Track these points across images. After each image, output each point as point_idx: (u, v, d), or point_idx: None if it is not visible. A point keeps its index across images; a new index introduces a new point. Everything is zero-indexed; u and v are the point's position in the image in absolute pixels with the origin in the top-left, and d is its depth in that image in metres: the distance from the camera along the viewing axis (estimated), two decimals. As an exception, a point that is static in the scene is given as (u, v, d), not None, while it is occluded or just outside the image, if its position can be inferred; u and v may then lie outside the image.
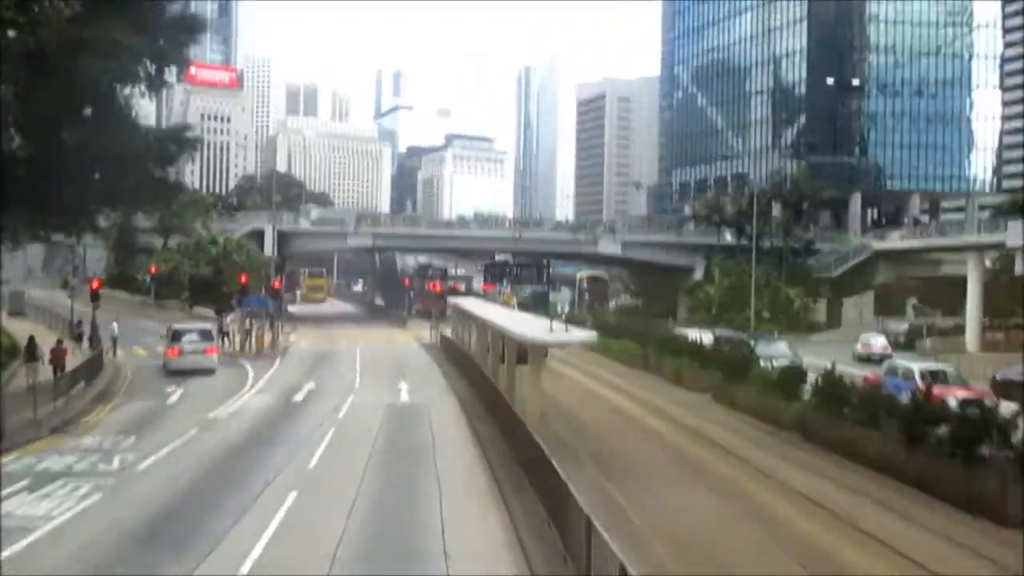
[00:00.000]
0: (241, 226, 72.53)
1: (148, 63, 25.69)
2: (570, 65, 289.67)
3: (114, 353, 41.90)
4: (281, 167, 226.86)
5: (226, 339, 44.76)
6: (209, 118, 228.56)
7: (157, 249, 69.63)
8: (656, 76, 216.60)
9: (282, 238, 72.88)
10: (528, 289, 47.19)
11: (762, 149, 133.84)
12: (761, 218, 65.89)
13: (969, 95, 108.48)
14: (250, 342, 44.79)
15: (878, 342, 47.96)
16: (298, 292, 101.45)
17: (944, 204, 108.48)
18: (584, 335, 19.06)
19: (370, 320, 77.12)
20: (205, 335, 37.02)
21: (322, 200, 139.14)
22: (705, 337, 39.21)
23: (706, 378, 31.76)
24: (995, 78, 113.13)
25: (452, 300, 43.40)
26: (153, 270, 62.65)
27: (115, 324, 44.56)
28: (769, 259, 64.36)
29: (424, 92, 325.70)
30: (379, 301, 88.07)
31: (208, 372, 35.80)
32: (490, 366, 28.28)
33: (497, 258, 60.65)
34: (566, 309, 19.62)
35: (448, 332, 46.60)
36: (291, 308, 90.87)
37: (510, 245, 72.14)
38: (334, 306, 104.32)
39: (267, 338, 46.79)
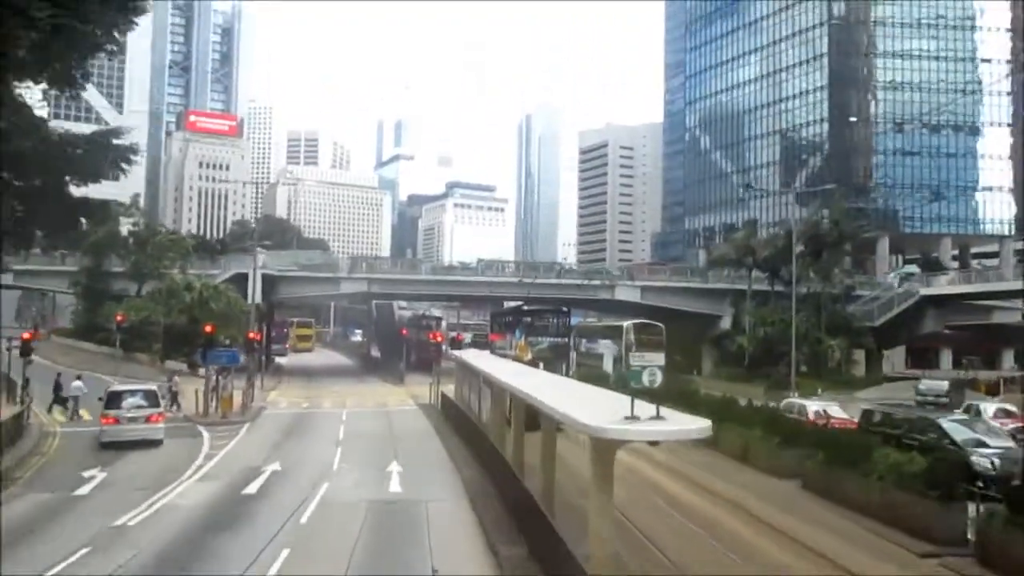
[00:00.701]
0: (225, 271, 65.25)
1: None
2: (571, 113, 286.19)
3: (73, 415, 35.23)
4: (281, 215, 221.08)
5: (175, 402, 37.18)
6: (208, 166, 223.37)
7: (130, 296, 62.23)
8: (660, 122, 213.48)
9: (269, 283, 65.59)
10: (545, 341, 38.89)
11: (771, 194, 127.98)
12: (795, 261, 58.79)
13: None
14: (216, 403, 37.15)
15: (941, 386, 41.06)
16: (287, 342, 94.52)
17: (974, 249, 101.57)
18: (692, 424, 10.99)
19: (364, 374, 69.41)
20: (150, 398, 29.38)
21: (319, 246, 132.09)
22: (834, 410, 31.20)
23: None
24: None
25: (455, 354, 35.89)
26: (120, 319, 55.16)
27: (79, 381, 37.20)
28: (805, 306, 56.86)
29: (425, 141, 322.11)
30: (375, 353, 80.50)
31: (152, 444, 28.26)
32: (510, 448, 20.70)
33: (506, 305, 53.01)
34: (656, 379, 11.27)
35: (451, 391, 39.20)
36: (281, 360, 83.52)
37: (518, 291, 64.89)
38: (328, 358, 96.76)
39: (240, 397, 39.23)
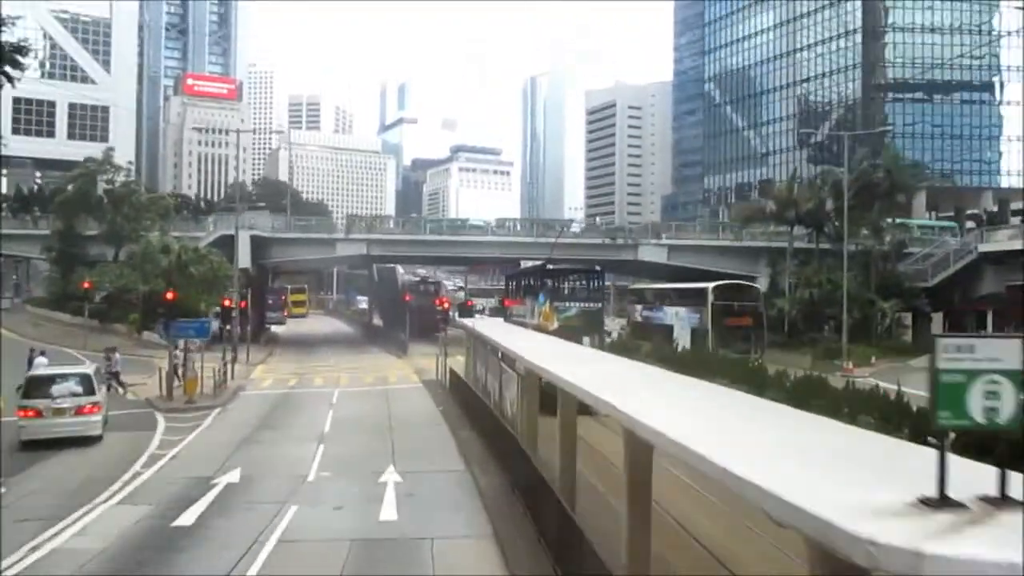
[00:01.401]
0: (210, 233, 58.84)
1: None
2: (578, 73, 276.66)
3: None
4: (283, 180, 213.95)
5: (119, 385, 30.93)
6: (206, 131, 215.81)
7: (106, 261, 55.84)
8: (669, 81, 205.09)
9: (259, 246, 59.17)
10: (573, 307, 31.47)
11: (787, 151, 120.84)
12: (837, 215, 52.14)
13: None
14: (183, 382, 30.79)
15: None
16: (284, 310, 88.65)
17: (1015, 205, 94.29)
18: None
19: (364, 344, 63.13)
20: (84, 384, 23.02)
21: (317, 210, 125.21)
22: None
23: None
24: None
25: (466, 324, 29.45)
26: (87, 286, 48.80)
27: (43, 357, 31.24)
28: (853, 264, 50.16)
29: (429, 104, 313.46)
30: (377, 321, 74.10)
31: (88, 442, 22.05)
32: (549, 455, 14.34)
33: (524, 265, 46.26)
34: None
35: (460, 365, 32.89)
36: (278, 328, 77.36)
37: (533, 252, 58.33)
38: (328, 325, 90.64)
39: (217, 375, 33.02)
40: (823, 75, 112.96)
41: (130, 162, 70.58)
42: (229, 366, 36.73)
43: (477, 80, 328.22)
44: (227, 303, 37.39)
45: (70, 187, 54.42)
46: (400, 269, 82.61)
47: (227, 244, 57.59)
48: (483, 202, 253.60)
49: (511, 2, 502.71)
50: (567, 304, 29.98)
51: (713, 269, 57.58)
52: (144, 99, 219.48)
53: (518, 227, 63.48)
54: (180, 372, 30.73)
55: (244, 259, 57.32)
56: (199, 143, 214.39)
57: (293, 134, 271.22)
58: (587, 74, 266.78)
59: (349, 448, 21.89)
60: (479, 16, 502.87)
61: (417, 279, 78.81)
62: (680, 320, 37.41)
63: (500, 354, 21.13)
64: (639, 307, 43.00)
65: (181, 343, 30.90)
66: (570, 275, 33.28)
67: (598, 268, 34.91)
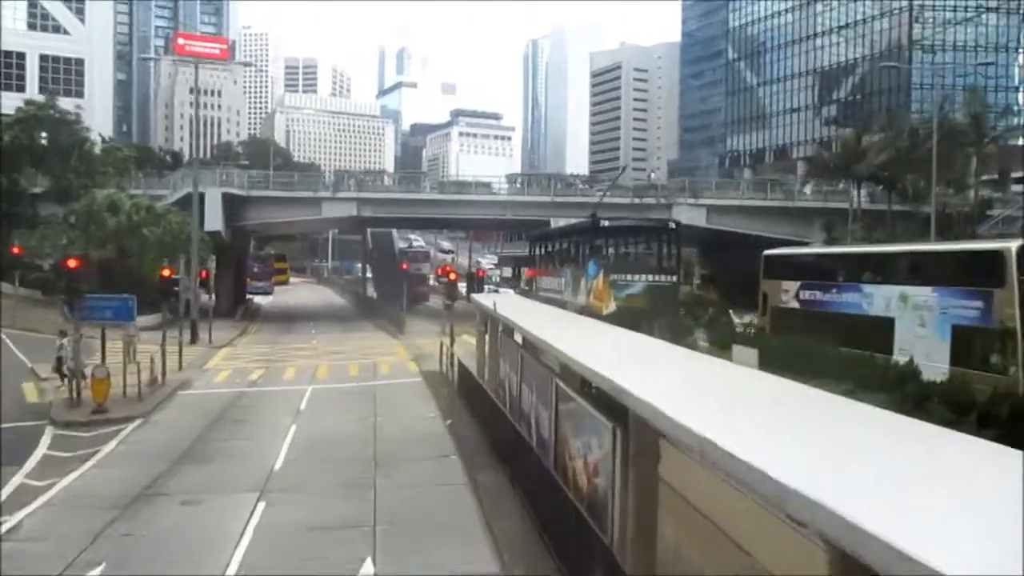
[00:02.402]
0: (176, 190, 49.95)
1: None
2: (580, 36, 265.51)
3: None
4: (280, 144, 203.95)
5: (63, 377, 22.37)
6: (198, 92, 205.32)
7: (49, 223, 46.92)
8: (677, 42, 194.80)
9: (233, 206, 50.36)
10: (638, 282, 20.61)
11: (804, 110, 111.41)
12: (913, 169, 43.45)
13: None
14: (80, 384, 22.02)
15: None
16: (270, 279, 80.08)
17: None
18: None
19: (356, 319, 54.53)
20: None
21: (309, 170, 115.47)
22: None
23: None
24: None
25: (485, 303, 20.66)
26: (16, 250, 40.09)
27: None
28: (920, 228, 41.38)
29: (429, 68, 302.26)
30: (372, 292, 65.33)
31: None
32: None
33: (557, 224, 36.81)
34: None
35: (470, 355, 24.30)
36: (263, 300, 68.88)
37: (551, 212, 49.58)
38: (319, 296, 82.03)
39: (152, 366, 24.45)
40: (855, 23, 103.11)
41: (79, 106, 61.14)
42: (178, 352, 28.16)
43: (477, 44, 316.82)
44: (167, 273, 28.37)
45: (6, 136, 45.46)
46: (396, 234, 73.80)
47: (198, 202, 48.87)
48: (484, 167, 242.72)
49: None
50: (629, 277, 20.32)
51: (758, 233, 48.78)
52: (134, 62, 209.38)
53: (532, 184, 54.39)
54: (69, 369, 22.04)
55: (214, 221, 48.69)
56: (190, 105, 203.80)
57: (289, 97, 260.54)
58: (590, 37, 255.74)
59: (304, 513, 13.23)
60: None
61: (419, 246, 70.12)
62: (917, 312, 20.54)
63: (553, 365, 12.52)
64: (790, 285, 26.03)
65: (74, 328, 22.13)
66: (631, 235, 23.43)
67: (672, 224, 24.76)
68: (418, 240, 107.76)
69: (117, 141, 54.38)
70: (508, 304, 20.70)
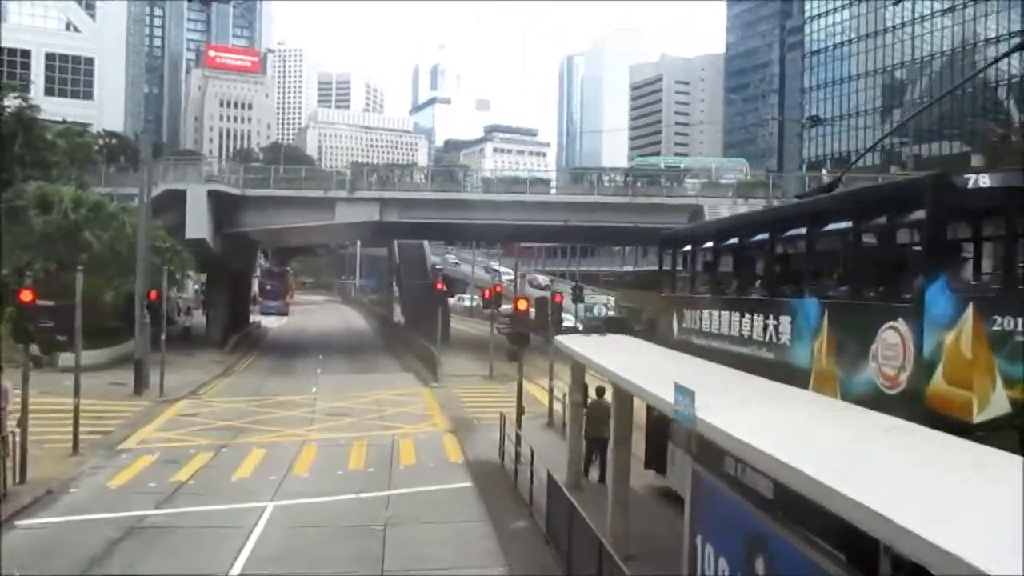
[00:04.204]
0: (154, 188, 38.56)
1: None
2: (618, 51, 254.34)
3: None
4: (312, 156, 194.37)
5: None
6: (228, 105, 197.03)
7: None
8: (720, 54, 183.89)
9: (226, 208, 38.99)
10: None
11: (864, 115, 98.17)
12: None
13: None
14: None
15: None
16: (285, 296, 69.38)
17: None
18: None
19: (377, 352, 42.73)
20: None
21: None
22: None
23: None
24: None
25: (614, 370, 8.57)
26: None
27: None
28: None
29: (462, 84, 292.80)
30: (399, 316, 53.34)
31: None
32: None
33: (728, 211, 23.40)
34: None
35: (549, 441, 12.36)
36: (274, 322, 57.74)
37: (633, 217, 37.52)
38: (339, 318, 70.62)
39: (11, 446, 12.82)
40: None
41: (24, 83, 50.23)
42: (73, 422, 16.47)
43: (512, 60, 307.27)
44: (26, 297, 16.28)
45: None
46: (428, 247, 61.92)
47: (179, 204, 37.60)
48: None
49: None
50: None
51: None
52: (165, 75, 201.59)
53: (604, 181, 41.72)
54: None
55: (198, 226, 37.36)
56: (220, 118, 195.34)
57: (322, 111, 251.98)
58: (628, 52, 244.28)
59: None
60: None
61: (453, 261, 58.19)
62: None
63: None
64: None
65: None
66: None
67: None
68: (451, 255, 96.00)
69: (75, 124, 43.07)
70: (650, 367, 8.76)
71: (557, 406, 20.00)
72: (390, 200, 39.25)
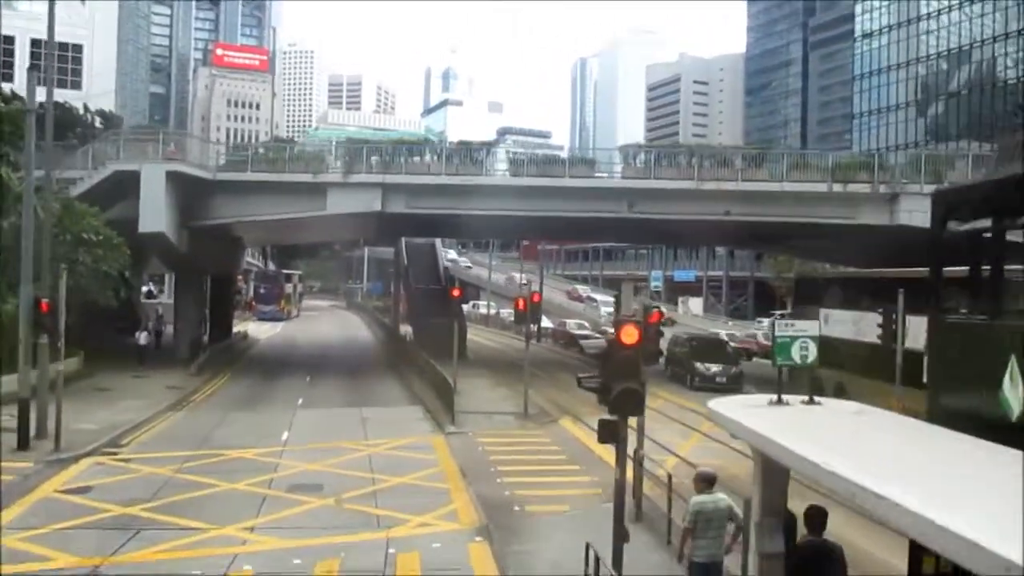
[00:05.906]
0: (93, 171, 30.62)
1: None
2: (632, 53, 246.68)
3: None
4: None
5: None
6: (235, 104, 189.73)
7: None
8: (740, 54, 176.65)
9: (190, 193, 30.92)
10: None
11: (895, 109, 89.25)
12: None
13: None
14: None
15: None
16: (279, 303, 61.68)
17: None
18: None
19: (377, 375, 34.32)
20: None
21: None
22: None
23: None
24: None
25: None
26: None
27: None
28: None
29: (475, 86, 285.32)
30: (406, 329, 44.71)
31: None
32: None
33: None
34: None
35: None
36: (267, 331, 49.91)
37: (699, 208, 29.38)
38: (340, 327, 62.69)
39: None
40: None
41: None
42: None
43: (525, 62, 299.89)
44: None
45: None
46: (440, 246, 53.66)
47: (131, 190, 29.59)
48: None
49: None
50: None
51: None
52: (173, 74, 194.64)
53: (663, 162, 32.90)
54: None
55: (153, 216, 29.37)
56: (228, 117, 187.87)
57: (332, 113, 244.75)
58: (643, 54, 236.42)
59: None
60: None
61: (465, 264, 49.72)
62: None
63: None
64: None
65: None
66: None
67: None
68: (463, 259, 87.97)
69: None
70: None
71: (650, 487, 11.85)
72: (394, 186, 30.88)
